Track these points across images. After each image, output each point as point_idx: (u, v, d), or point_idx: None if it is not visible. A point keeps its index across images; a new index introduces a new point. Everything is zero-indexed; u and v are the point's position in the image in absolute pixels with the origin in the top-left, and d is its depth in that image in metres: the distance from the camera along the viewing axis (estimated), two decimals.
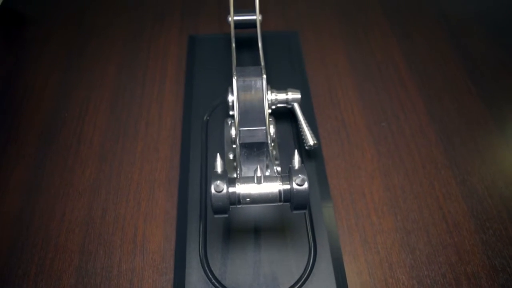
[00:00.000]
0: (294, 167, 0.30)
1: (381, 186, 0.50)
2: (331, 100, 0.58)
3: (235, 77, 0.42)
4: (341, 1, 0.71)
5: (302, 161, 0.31)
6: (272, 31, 0.63)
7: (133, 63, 0.61)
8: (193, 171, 0.48)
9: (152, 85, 0.59)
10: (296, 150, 0.31)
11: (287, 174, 0.31)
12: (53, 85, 0.59)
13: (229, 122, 0.51)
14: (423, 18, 0.69)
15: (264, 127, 0.39)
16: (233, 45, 0.45)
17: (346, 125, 0.55)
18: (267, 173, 0.39)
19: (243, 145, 0.39)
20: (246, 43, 0.57)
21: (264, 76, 0.42)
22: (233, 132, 0.40)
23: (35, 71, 0.61)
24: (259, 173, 0.29)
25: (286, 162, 0.47)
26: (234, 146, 0.40)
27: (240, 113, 0.40)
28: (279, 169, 0.46)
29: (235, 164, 0.48)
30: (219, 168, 0.30)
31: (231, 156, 0.48)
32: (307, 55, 0.62)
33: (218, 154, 0.31)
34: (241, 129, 0.39)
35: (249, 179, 0.31)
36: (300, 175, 0.29)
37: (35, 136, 0.54)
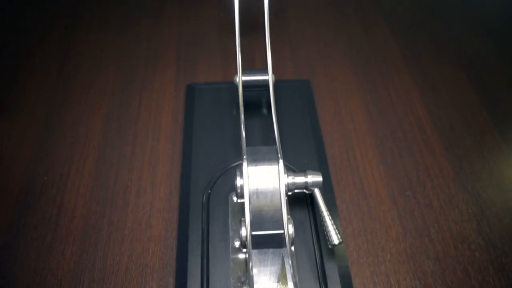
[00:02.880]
0: None
1: (409, 273, 0.43)
2: (349, 163, 0.51)
3: (246, 162, 0.35)
4: (355, 45, 0.65)
5: None
6: (282, 80, 0.56)
7: (122, 117, 0.54)
8: (192, 257, 0.41)
9: (144, 144, 0.52)
10: None
11: None
12: (30, 143, 0.52)
13: (234, 199, 0.44)
14: (446, 64, 0.63)
15: (281, 231, 0.32)
16: (242, 118, 0.38)
17: (366, 195, 0.48)
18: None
19: (256, 252, 0.32)
20: (253, 97, 0.49)
21: (281, 161, 0.35)
22: (243, 232, 0.33)
23: (9, 126, 0.53)
24: None
25: (301, 257, 0.40)
26: (244, 250, 0.33)
27: (252, 212, 0.33)
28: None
29: (238, 245, 0.41)
30: None
31: (237, 244, 0.41)
32: (321, 107, 0.56)
33: None
34: (254, 233, 0.32)
35: None
36: None
37: (9, 205, 0.47)
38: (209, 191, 0.44)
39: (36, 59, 0.61)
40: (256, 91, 0.42)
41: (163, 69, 0.59)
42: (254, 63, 0.58)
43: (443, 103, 0.58)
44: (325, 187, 0.47)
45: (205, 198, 0.44)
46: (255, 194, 0.34)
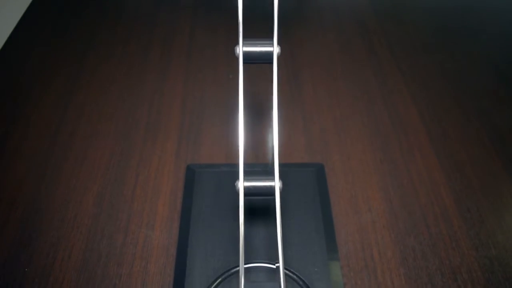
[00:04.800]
0: None
1: None
2: (365, 264, 0.45)
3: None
4: (374, 117, 0.59)
5: None
6: (292, 164, 0.51)
7: (115, 198, 0.49)
8: None
9: (137, 232, 0.47)
10: None
11: None
12: (14, 225, 0.47)
13: None
14: (473, 140, 0.57)
15: None
16: (242, 232, 0.33)
17: None
18: None
19: None
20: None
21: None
22: None
23: None
24: None
25: None
26: None
27: None
28: None
29: None
30: None
31: None
32: (335, 193, 0.50)
33: None
34: None
35: None
36: None
37: None
38: None
39: (29, 123, 0.57)
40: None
41: (163, 142, 0.54)
42: (262, 149, 0.53)
43: (472, 189, 0.52)
44: None
45: None
46: None
